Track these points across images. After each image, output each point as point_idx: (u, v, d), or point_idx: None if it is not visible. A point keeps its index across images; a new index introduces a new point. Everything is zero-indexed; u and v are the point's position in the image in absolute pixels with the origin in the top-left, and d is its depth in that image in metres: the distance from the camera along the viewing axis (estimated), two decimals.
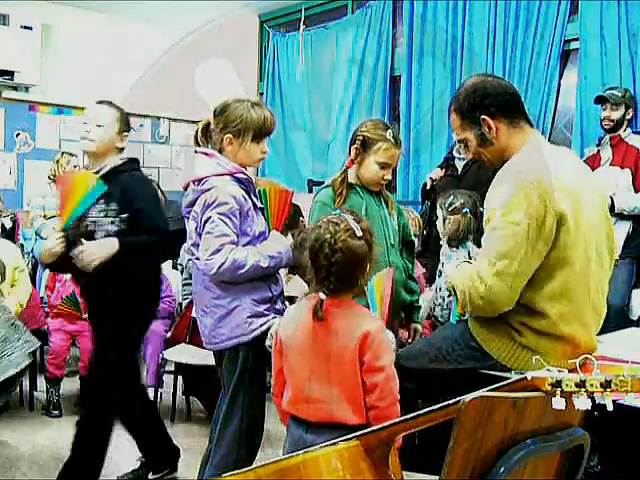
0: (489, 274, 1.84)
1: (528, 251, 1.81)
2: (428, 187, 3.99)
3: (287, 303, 2.32)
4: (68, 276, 3.86)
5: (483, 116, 1.97)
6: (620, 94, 3.55)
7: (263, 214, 2.29)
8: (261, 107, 2.24)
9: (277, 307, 2.23)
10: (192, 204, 2.19)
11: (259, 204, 2.26)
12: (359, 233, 1.64)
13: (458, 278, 1.96)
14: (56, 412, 3.61)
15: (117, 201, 2.47)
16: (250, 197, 2.19)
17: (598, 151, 3.63)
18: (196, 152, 2.28)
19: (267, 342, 2.15)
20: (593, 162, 3.57)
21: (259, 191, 2.30)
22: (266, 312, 2.16)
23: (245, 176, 2.20)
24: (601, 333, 2.18)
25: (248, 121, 2.19)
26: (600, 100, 3.58)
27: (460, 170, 3.85)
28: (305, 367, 1.66)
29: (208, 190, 2.13)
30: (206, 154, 2.23)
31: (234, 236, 2.09)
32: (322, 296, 1.63)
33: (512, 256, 1.81)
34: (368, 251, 1.66)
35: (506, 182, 1.89)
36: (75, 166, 4.98)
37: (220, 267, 2.05)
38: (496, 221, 1.86)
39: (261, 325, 2.14)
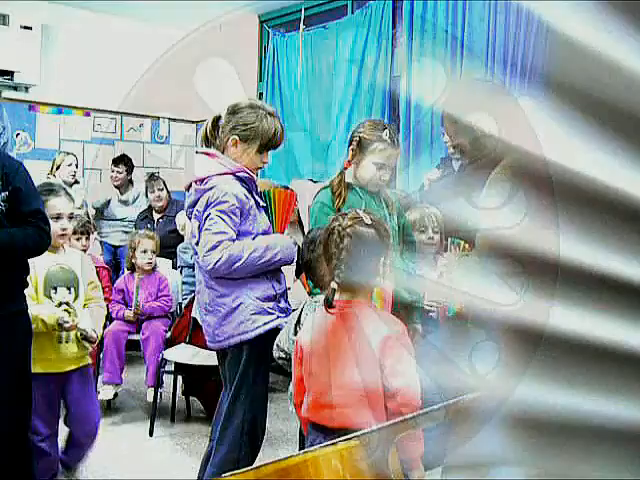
0: None
1: None
2: (426, 188, 3.99)
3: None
4: None
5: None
6: None
7: (267, 213, 2.30)
8: (274, 118, 2.25)
9: (281, 305, 2.23)
10: (194, 204, 2.20)
11: (262, 202, 2.27)
12: (367, 221, 1.63)
13: None
14: None
15: None
16: (252, 195, 2.21)
17: None
18: (197, 152, 2.29)
19: (275, 354, 2.15)
20: None
21: (263, 193, 2.31)
22: (270, 310, 2.17)
23: (247, 174, 2.21)
24: None
25: (258, 130, 2.20)
26: None
27: (456, 170, 3.85)
28: (325, 372, 1.62)
29: (210, 189, 2.14)
30: (207, 154, 2.24)
31: (233, 233, 2.10)
32: (333, 285, 1.60)
33: None
34: (379, 241, 1.63)
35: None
36: (70, 165, 4.98)
37: (217, 263, 2.06)
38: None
39: (265, 323, 2.15)
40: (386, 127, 2.45)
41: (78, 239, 3.86)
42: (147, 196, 5.26)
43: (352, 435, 1.40)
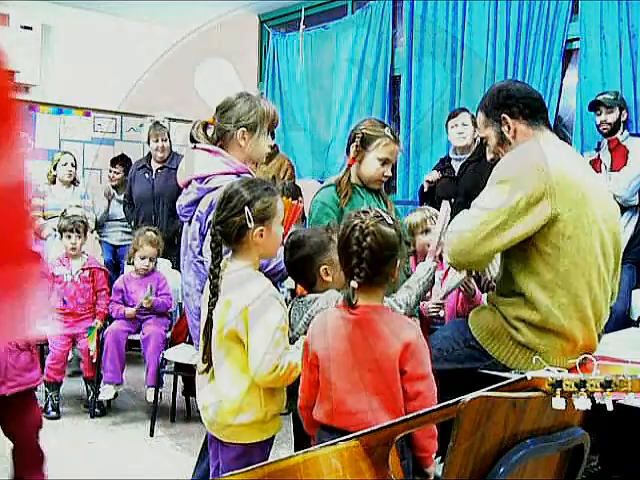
0: (470, 215, 1.94)
1: (509, 220, 1.86)
2: (425, 190, 3.98)
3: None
4: (68, 277, 3.84)
5: (504, 115, 2.05)
6: (612, 97, 3.55)
7: None
8: (266, 100, 2.28)
9: None
10: (194, 203, 2.15)
11: None
12: (389, 220, 1.59)
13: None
14: (54, 413, 3.60)
15: None
16: None
17: (598, 156, 3.63)
18: (195, 148, 2.22)
19: None
20: (594, 167, 3.56)
21: None
22: None
23: (251, 176, 2.18)
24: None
25: (261, 113, 2.19)
26: (594, 105, 3.58)
27: (457, 171, 3.84)
28: (344, 378, 1.59)
29: (214, 189, 2.09)
30: (209, 151, 2.18)
31: None
32: (354, 284, 1.54)
33: (495, 214, 1.87)
34: (399, 242, 1.58)
35: (512, 160, 1.98)
36: (66, 164, 4.94)
37: None
38: (494, 184, 1.94)
39: None
40: (386, 125, 2.47)
41: (69, 237, 3.82)
42: (148, 144, 4.85)
43: (352, 435, 1.40)
